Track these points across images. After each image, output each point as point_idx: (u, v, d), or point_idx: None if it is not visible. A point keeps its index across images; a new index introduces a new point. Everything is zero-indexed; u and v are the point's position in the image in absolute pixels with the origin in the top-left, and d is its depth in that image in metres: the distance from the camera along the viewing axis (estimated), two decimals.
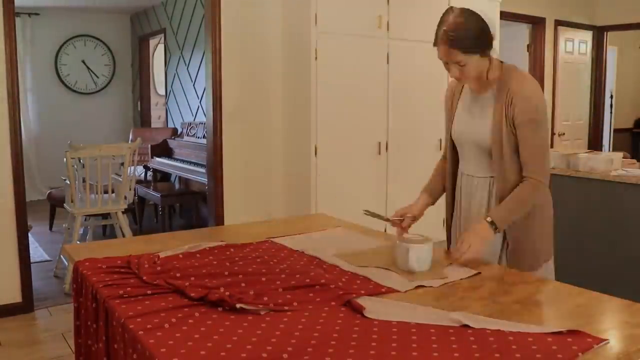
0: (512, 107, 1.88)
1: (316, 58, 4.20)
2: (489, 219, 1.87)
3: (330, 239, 2.18)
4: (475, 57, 1.86)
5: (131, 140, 7.20)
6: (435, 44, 1.87)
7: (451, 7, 1.86)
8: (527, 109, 1.86)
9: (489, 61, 1.92)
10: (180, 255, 1.91)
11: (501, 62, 1.97)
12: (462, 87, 2.08)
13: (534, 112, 1.87)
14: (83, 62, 8.40)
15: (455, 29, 1.81)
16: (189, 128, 6.53)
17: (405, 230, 2.09)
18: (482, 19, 1.83)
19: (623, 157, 3.86)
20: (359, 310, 1.47)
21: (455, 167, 2.14)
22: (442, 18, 1.86)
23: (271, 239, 2.18)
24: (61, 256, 4.69)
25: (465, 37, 1.82)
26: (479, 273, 1.77)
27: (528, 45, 6.80)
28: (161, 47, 7.99)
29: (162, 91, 8.26)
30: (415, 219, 2.13)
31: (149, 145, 6.70)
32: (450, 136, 2.11)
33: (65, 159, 4.38)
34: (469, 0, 5.31)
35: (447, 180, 2.18)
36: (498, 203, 1.95)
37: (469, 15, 1.83)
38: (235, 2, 4.30)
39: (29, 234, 4.07)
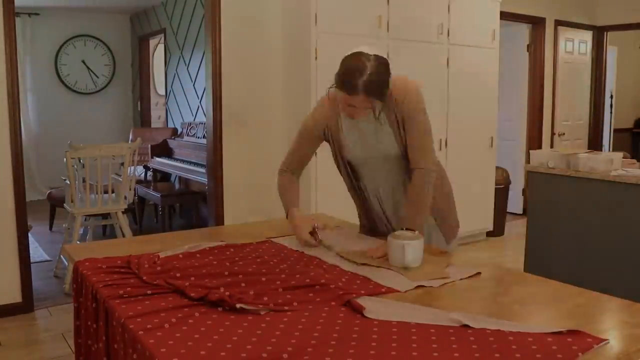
0: (399, 112, 2.04)
1: (316, 58, 4.20)
2: (404, 228, 1.94)
3: (330, 239, 2.18)
4: (377, 101, 1.95)
5: (131, 140, 7.20)
6: (351, 92, 1.88)
7: (360, 53, 1.94)
8: (407, 106, 2.03)
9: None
10: (180, 255, 1.91)
11: None
12: (337, 116, 2.15)
13: (410, 107, 2.03)
14: (83, 62, 8.40)
15: (376, 80, 1.88)
16: (189, 128, 6.53)
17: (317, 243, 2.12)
18: (389, 69, 1.95)
19: (623, 157, 3.86)
20: (359, 310, 1.47)
21: (354, 186, 2.28)
22: (354, 65, 1.90)
23: (271, 239, 2.18)
24: (61, 256, 4.69)
25: (381, 87, 1.91)
26: (479, 273, 1.77)
27: (528, 45, 6.80)
28: (161, 47, 7.99)
29: (162, 91, 8.26)
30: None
31: (149, 145, 6.70)
32: (345, 160, 2.20)
33: (65, 159, 4.38)
34: (469, 1, 5.30)
35: (354, 198, 2.35)
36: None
37: (383, 67, 1.92)
38: (235, 2, 4.30)
39: (29, 234, 4.07)
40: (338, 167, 2.29)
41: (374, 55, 1.92)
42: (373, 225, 2.32)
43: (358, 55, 1.92)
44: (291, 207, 2.22)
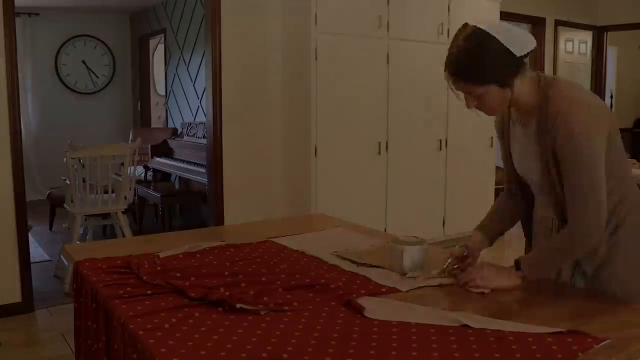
0: (552, 137, 1.56)
1: (316, 58, 4.20)
2: (517, 258, 1.65)
3: (330, 239, 2.18)
4: (492, 87, 1.55)
5: (131, 140, 7.20)
6: (445, 76, 1.62)
7: (464, 25, 1.57)
8: (564, 137, 1.52)
9: (511, 91, 1.56)
10: (180, 256, 1.91)
11: (539, 80, 1.62)
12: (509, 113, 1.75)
13: (568, 141, 1.51)
14: (83, 62, 8.40)
15: (457, 58, 1.55)
16: (189, 128, 6.53)
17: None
18: (496, 43, 1.50)
19: None
20: (359, 310, 1.47)
21: (527, 205, 1.84)
22: (453, 39, 1.59)
23: (271, 239, 2.18)
24: (61, 256, 4.69)
25: (470, 67, 1.54)
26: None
27: None
28: (161, 47, 7.98)
29: (162, 91, 8.25)
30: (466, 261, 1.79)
31: (149, 145, 6.70)
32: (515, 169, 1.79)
33: (65, 159, 4.38)
34: (468, 1, 5.29)
35: (522, 221, 1.90)
36: None
37: (477, 39, 1.52)
38: (235, 2, 4.30)
39: (29, 234, 4.07)
40: None
41: (475, 29, 1.53)
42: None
43: (460, 28, 1.58)
44: (476, 230, 1.87)
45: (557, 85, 1.59)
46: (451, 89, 1.62)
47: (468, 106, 1.63)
